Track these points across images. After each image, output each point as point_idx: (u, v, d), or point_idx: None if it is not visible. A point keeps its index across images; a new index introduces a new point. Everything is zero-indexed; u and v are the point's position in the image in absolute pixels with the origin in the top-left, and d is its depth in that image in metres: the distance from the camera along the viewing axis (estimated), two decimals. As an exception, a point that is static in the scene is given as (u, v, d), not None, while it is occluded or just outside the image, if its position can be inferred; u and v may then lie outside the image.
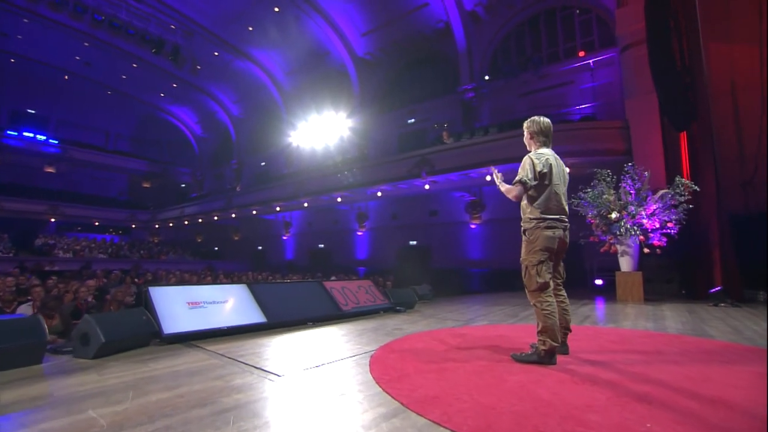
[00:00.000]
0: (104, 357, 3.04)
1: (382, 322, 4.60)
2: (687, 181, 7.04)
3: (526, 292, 2.80)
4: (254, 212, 21.80)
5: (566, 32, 15.67)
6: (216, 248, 27.97)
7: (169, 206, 28.11)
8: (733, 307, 6.34)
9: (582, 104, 14.83)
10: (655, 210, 7.11)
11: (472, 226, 16.69)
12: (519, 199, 2.81)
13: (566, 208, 2.82)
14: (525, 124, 3.01)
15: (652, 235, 7.15)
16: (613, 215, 7.16)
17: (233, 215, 23.09)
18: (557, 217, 2.75)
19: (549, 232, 2.72)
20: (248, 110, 27.03)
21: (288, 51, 21.53)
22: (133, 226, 28.57)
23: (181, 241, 28.48)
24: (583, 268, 13.28)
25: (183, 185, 32.97)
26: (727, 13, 9.44)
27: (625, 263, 7.60)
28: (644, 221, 7.08)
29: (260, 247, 25.70)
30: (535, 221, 2.74)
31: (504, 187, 2.86)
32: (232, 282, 11.62)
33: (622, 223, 7.14)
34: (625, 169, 7.49)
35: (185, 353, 3.19)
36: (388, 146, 19.77)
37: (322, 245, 22.12)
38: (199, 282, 10.58)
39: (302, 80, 22.82)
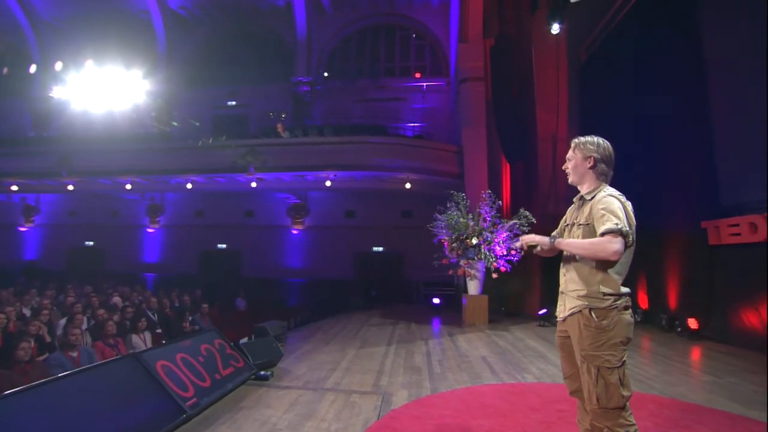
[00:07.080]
0: None
1: (255, 422, 2.78)
2: (527, 213, 7.55)
3: (593, 410, 1.72)
4: (-32, 189, 14.53)
5: (403, 52, 16.20)
6: None
7: None
8: (553, 327, 7.18)
9: (413, 122, 15.45)
10: (504, 238, 7.39)
11: (294, 232, 15.24)
12: (617, 259, 1.69)
13: None
14: (582, 144, 1.89)
15: (500, 261, 7.40)
16: (474, 240, 7.09)
17: None
18: (629, 291, 1.81)
19: (629, 316, 1.76)
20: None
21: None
22: None
23: None
24: (407, 282, 13.66)
25: None
26: (540, 78, 11.01)
27: (473, 287, 7.71)
28: (497, 248, 7.26)
29: (-25, 241, 17.48)
30: (612, 298, 1.73)
31: (585, 246, 1.74)
32: None
33: (482, 249, 7.14)
34: (482, 195, 7.59)
35: None
36: (199, 128, 16.28)
37: (91, 242, 16.58)
38: None
39: (76, 13, 16.62)
